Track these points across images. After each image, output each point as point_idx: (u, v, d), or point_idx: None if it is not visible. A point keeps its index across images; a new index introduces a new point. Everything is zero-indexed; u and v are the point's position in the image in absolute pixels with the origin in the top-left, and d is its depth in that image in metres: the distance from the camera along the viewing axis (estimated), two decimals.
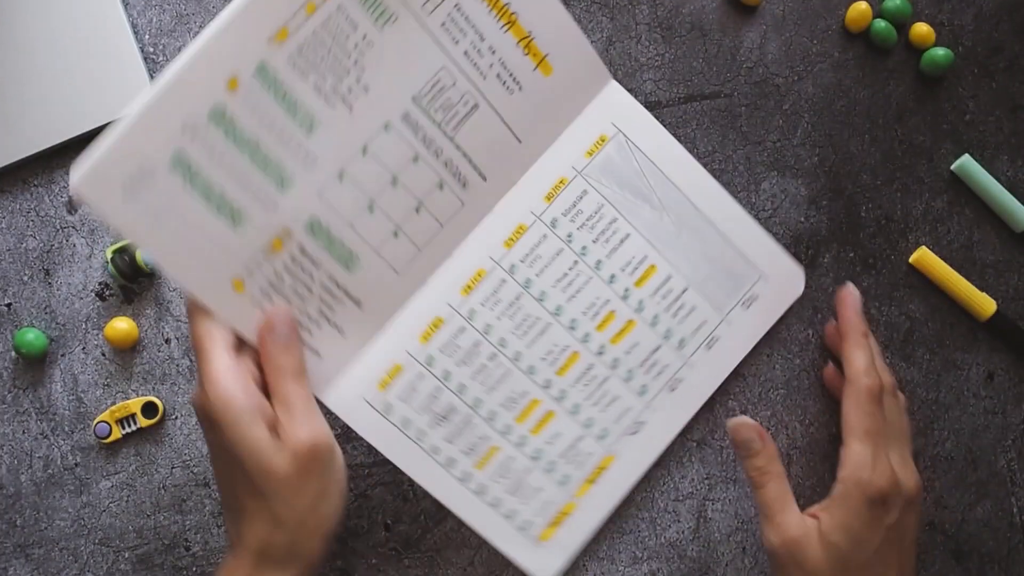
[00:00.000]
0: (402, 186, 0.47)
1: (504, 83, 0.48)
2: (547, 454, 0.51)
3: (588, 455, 0.51)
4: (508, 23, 0.47)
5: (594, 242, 0.51)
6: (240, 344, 0.43)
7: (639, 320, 0.51)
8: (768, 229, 0.54)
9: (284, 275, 0.45)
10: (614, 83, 0.51)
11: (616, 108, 0.51)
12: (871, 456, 0.46)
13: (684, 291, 0.52)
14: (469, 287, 0.50)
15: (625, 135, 0.51)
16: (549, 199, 0.50)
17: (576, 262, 0.51)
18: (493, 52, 0.47)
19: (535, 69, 0.48)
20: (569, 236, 0.51)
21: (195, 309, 0.43)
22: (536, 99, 0.49)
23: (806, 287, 0.54)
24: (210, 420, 0.41)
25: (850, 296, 0.52)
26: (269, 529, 0.42)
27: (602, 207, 0.51)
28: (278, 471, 0.41)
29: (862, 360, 0.49)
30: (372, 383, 0.48)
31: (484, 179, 0.49)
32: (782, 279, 0.53)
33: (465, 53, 0.46)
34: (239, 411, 0.40)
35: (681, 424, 0.52)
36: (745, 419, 0.48)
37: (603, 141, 0.51)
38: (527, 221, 0.50)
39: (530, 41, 0.48)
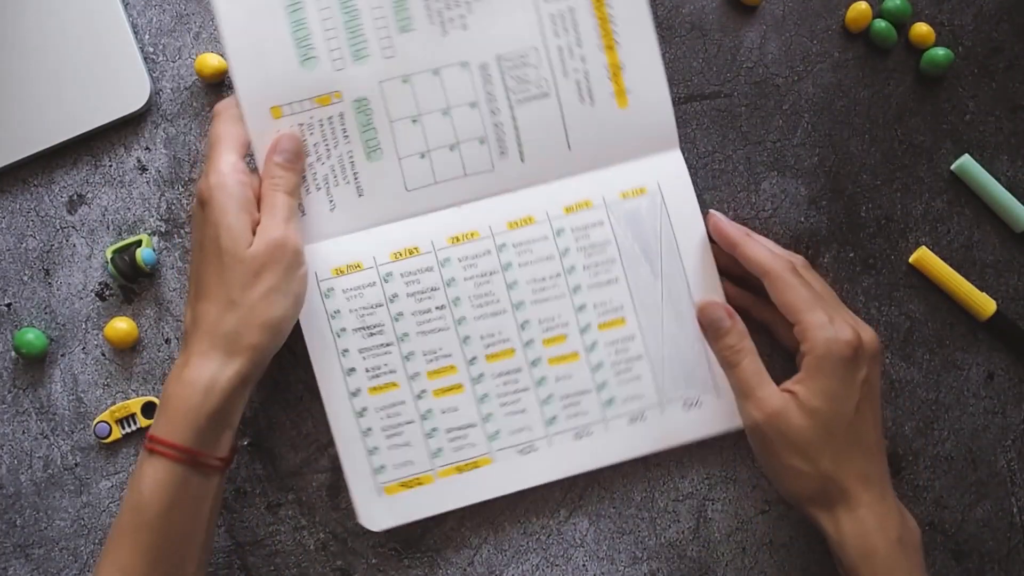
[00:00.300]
0: (450, 120, 0.51)
1: (580, 90, 0.51)
2: (435, 420, 0.51)
3: (471, 445, 0.51)
4: (607, 46, 0.51)
5: (584, 268, 0.52)
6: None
7: (584, 357, 0.52)
8: (768, 229, 0.54)
9: (316, 128, 0.50)
10: (678, 152, 0.52)
11: (667, 173, 0.52)
12: (826, 318, 0.46)
13: (638, 358, 0.52)
14: (457, 239, 0.51)
15: (663, 197, 0.52)
16: (568, 211, 0.52)
17: (559, 275, 0.52)
18: (583, 61, 0.51)
19: (612, 95, 0.51)
20: (566, 250, 0.52)
21: (223, 111, 0.49)
22: (601, 120, 0.51)
23: None
24: (203, 202, 0.46)
25: (714, 217, 0.51)
26: (221, 310, 0.45)
27: (608, 244, 0.52)
28: (245, 254, 0.45)
29: (760, 251, 0.49)
30: (329, 265, 0.51)
31: (522, 160, 0.51)
32: (733, 404, 0.51)
33: (559, 48, 0.51)
34: (229, 196, 0.46)
35: (566, 473, 0.52)
36: (712, 299, 0.48)
37: (641, 192, 0.52)
38: (538, 217, 0.52)
39: (619, 71, 0.51)
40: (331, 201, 0.51)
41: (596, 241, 0.52)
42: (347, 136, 0.50)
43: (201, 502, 0.46)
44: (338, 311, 0.51)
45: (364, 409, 0.51)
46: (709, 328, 0.49)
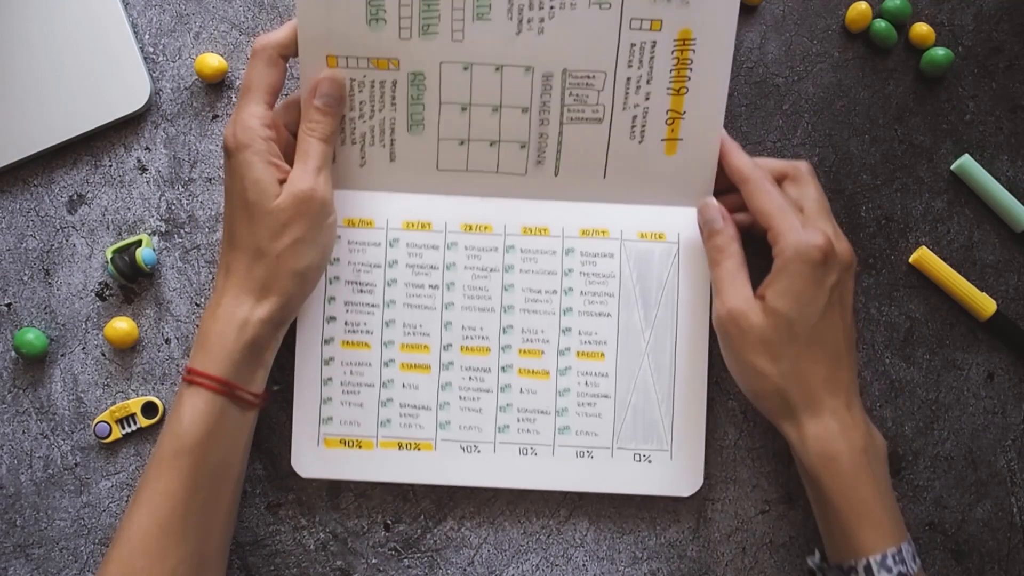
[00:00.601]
0: (498, 117, 0.51)
1: (633, 126, 0.51)
2: (393, 391, 0.52)
3: (419, 426, 0.52)
4: (676, 90, 0.50)
5: (581, 293, 0.52)
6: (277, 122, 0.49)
7: (553, 378, 0.52)
8: None
9: (366, 87, 0.50)
10: None
11: (691, 227, 0.52)
12: (798, 222, 0.47)
13: (605, 397, 0.52)
14: (470, 228, 0.52)
15: (680, 249, 0.52)
16: (583, 234, 0.52)
17: (555, 291, 0.52)
18: (647, 98, 0.50)
19: (663, 140, 0.51)
20: (569, 270, 0.52)
21: (259, 51, 0.48)
22: (644, 161, 0.51)
23: None
24: (230, 151, 0.47)
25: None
26: (251, 260, 0.46)
27: (611, 278, 0.52)
28: (271, 206, 0.46)
29: (742, 159, 0.49)
30: (343, 214, 0.52)
31: (555, 175, 0.52)
32: (681, 471, 0.52)
33: (628, 79, 0.50)
34: (254, 151, 0.46)
35: (501, 484, 0.52)
36: (710, 200, 0.49)
37: (659, 238, 0.52)
38: (553, 231, 0.52)
39: (678, 118, 0.50)
40: (362, 158, 0.52)
41: (601, 271, 0.52)
42: (394, 104, 0.51)
43: (238, 434, 0.47)
44: (337, 259, 0.52)
45: (331, 359, 0.52)
46: (704, 227, 0.50)
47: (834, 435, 0.46)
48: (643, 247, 0.52)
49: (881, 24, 0.55)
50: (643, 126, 0.51)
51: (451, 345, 0.52)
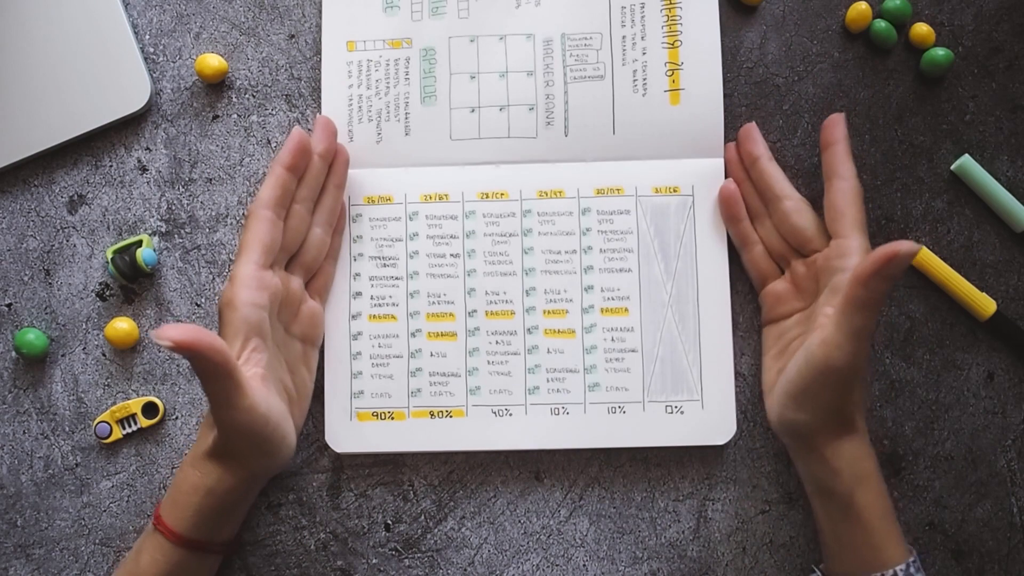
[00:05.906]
0: (505, 83, 0.53)
1: (635, 80, 0.53)
2: (422, 360, 0.52)
3: (449, 394, 0.52)
4: (670, 44, 0.53)
5: (601, 251, 0.52)
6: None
7: (579, 336, 0.52)
8: None
9: (381, 65, 0.54)
10: (721, 160, 0.53)
11: (705, 178, 0.53)
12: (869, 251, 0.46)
13: (632, 351, 0.52)
14: (487, 196, 0.53)
15: (695, 201, 0.53)
16: (598, 193, 0.53)
17: (574, 251, 0.53)
18: (644, 53, 0.53)
19: (666, 91, 0.53)
20: (587, 229, 0.53)
21: (254, 213, 0.48)
22: (650, 113, 0.53)
23: None
24: (219, 311, 0.46)
25: (838, 119, 0.50)
26: (220, 438, 0.45)
27: (629, 234, 0.53)
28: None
29: (853, 168, 0.49)
30: (363, 192, 0.53)
31: (565, 134, 0.53)
32: (714, 420, 0.52)
33: (623, 37, 0.53)
34: (235, 318, 0.45)
35: (534, 446, 0.52)
36: (903, 246, 0.42)
37: (674, 191, 0.53)
38: (568, 192, 0.53)
39: (677, 70, 0.53)
40: (379, 134, 0.53)
41: (618, 228, 0.53)
42: (408, 79, 0.54)
43: None
44: (360, 236, 0.53)
45: (359, 333, 0.53)
46: (885, 269, 0.42)
47: (866, 454, 0.47)
48: (659, 201, 0.53)
49: (881, 24, 0.55)
50: (644, 79, 0.53)
51: (476, 311, 0.53)
